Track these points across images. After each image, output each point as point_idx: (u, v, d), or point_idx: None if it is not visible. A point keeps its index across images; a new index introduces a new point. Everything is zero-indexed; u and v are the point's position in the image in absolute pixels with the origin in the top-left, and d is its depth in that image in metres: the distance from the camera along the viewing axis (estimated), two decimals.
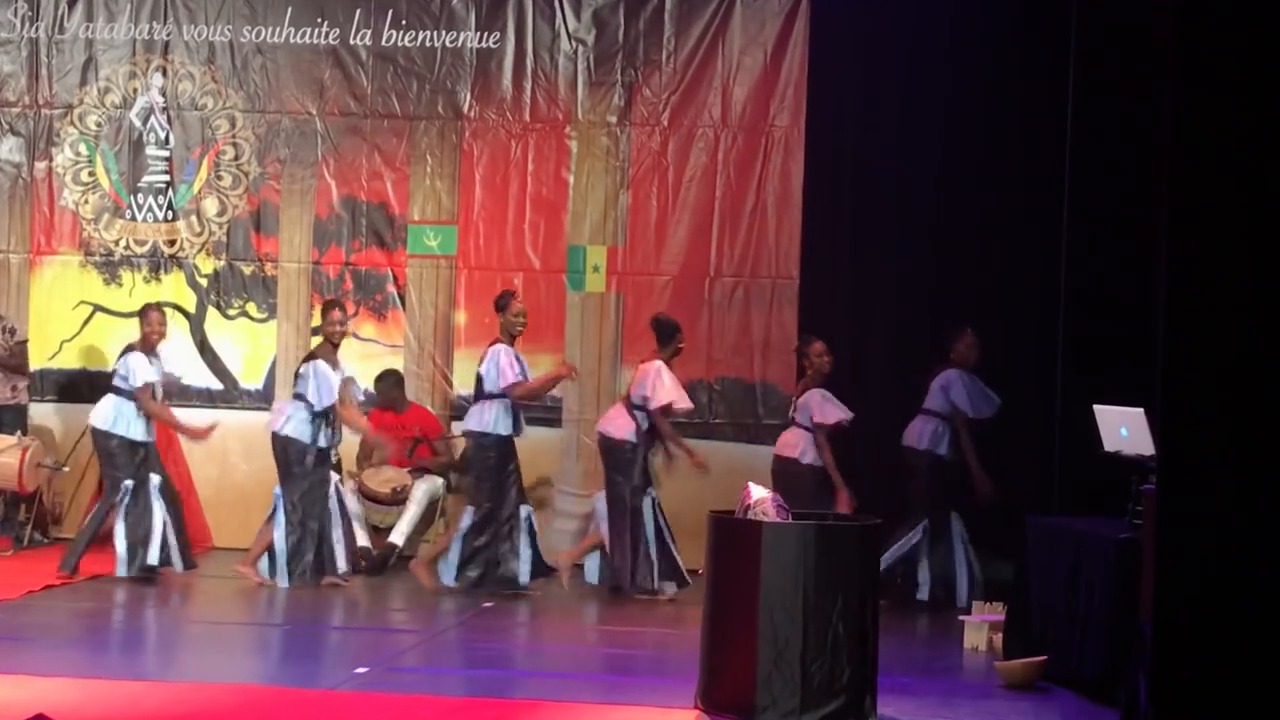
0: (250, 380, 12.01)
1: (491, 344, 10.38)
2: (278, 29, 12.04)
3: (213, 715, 6.95)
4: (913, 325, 11.20)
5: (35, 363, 11.97)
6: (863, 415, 10.85)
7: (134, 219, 12.15)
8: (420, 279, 12.00)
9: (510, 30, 11.93)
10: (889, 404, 10.84)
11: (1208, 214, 5.51)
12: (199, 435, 10.73)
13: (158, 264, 12.14)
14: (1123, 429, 7.74)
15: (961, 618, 9.19)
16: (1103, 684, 7.43)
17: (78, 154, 12.18)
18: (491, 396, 10.21)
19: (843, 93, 11.66)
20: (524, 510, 10.25)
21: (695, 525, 10.83)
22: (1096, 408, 7.99)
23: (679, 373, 10.57)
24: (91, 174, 12.18)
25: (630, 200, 11.90)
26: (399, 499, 11.30)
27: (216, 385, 12.03)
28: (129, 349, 10.50)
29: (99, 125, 12.17)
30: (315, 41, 12.03)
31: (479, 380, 10.33)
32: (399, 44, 11.99)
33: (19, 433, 11.42)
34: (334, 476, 10.47)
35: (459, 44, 11.96)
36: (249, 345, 12.06)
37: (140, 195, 12.14)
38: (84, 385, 11.94)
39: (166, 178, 12.14)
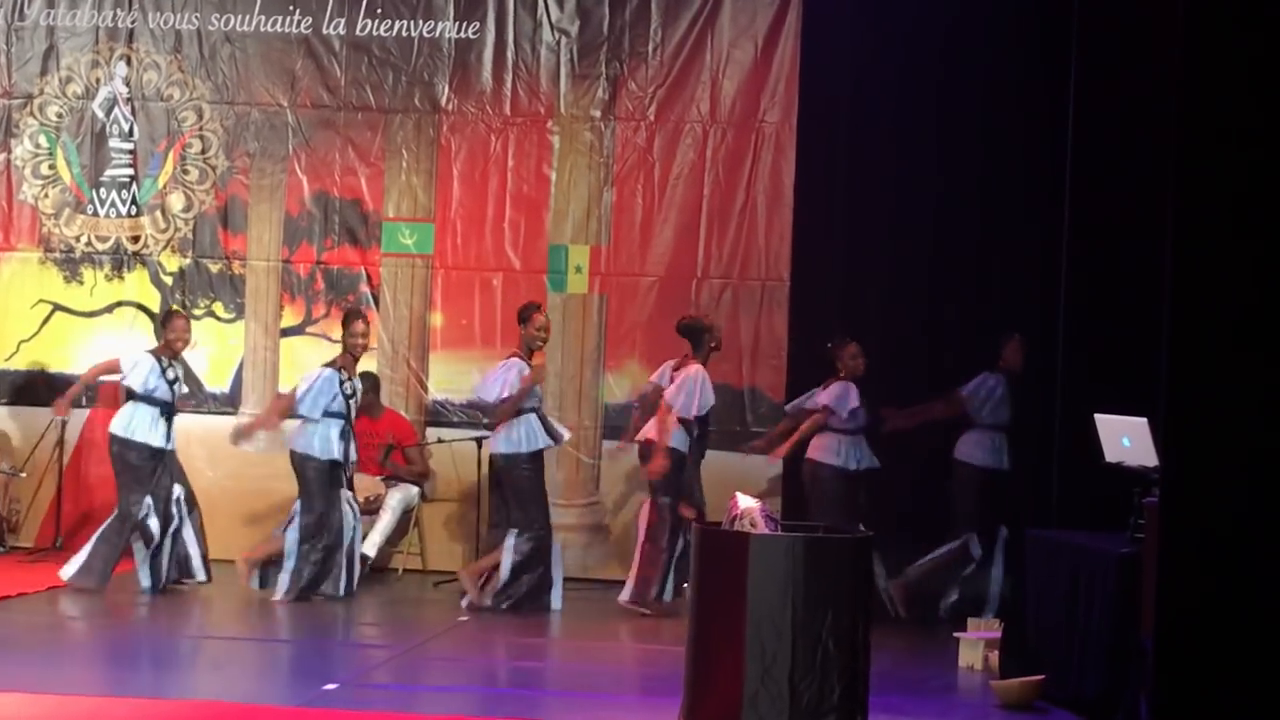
0: (216, 383, 12.00)
1: (508, 356, 10.43)
2: (247, 17, 12.03)
3: None
4: (908, 330, 11.21)
5: None
6: None
7: (96, 214, 12.13)
8: (395, 279, 12.00)
9: (490, 20, 11.93)
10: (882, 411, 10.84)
11: (1214, 217, 5.53)
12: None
13: (120, 261, 12.12)
14: (1125, 439, 7.76)
15: (956, 634, 9.20)
16: (1102, 704, 7.45)
17: (37, 146, 12.16)
18: (519, 412, 10.24)
19: (836, 87, 11.68)
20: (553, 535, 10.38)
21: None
22: (1098, 417, 8.00)
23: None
24: (52, 167, 12.16)
25: (614, 198, 11.91)
26: (372, 508, 11.29)
27: (181, 389, 11.97)
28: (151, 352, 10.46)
29: (60, 116, 12.16)
30: (286, 30, 12.03)
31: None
32: (374, 33, 11.99)
33: None
34: (347, 493, 10.50)
35: (437, 34, 11.96)
36: (215, 347, 12.04)
37: (103, 190, 12.12)
38: (42, 387, 11.92)
39: (130, 172, 12.12)
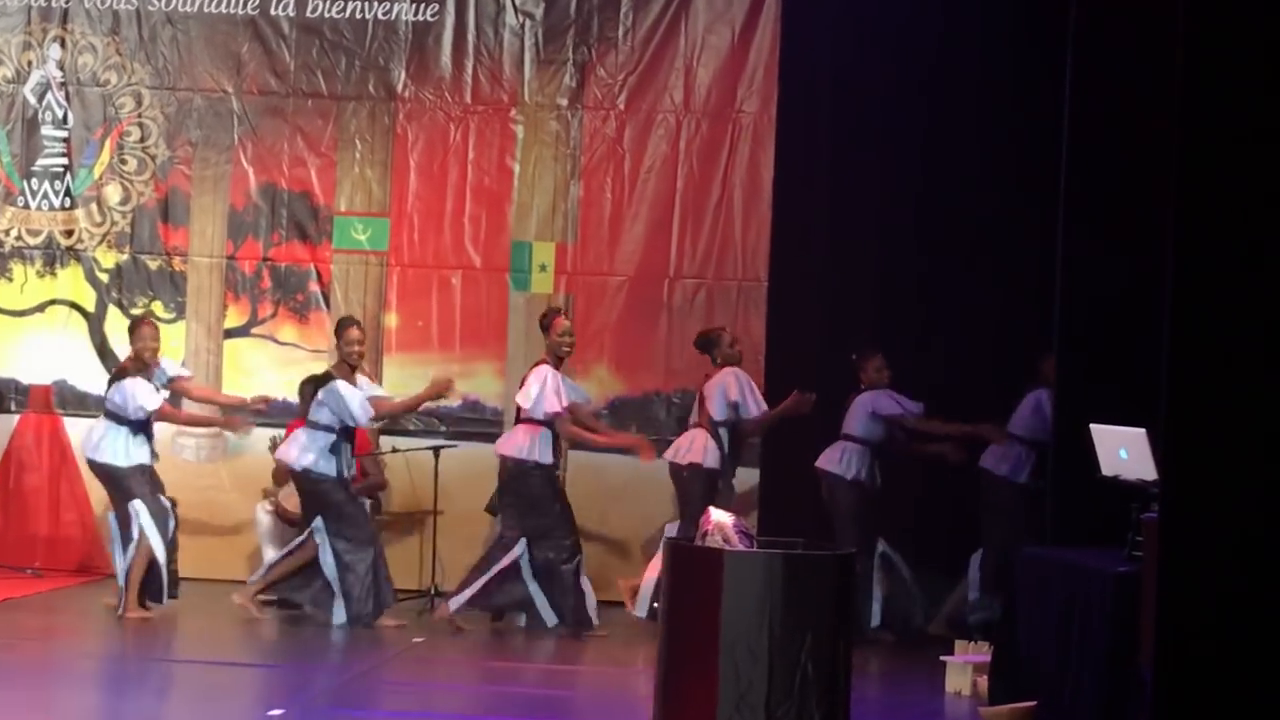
0: None
1: (535, 365, 10.44)
2: None
3: None
4: (893, 334, 11.21)
5: None
6: (836, 433, 10.87)
7: (27, 206, 12.07)
8: (347, 277, 11.96)
9: (450, 2, 11.91)
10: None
11: (1216, 220, 5.54)
12: (236, 425, 10.85)
13: (53, 257, 12.06)
14: (1122, 451, 7.77)
15: (943, 658, 9.21)
16: None
17: None
18: (532, 421, 10.27)
19: (818, 75, 11.68)
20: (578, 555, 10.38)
21: (649, 552, 10.88)
22: (1094, 427, 8.01)
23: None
24: None
25: (582, 192, 11.89)
26: None
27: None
28: (121, 373, 10.37)
29: None
30: (232, 11, 11.98)
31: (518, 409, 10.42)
32: (326, 15, 11.96)
33: None
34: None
35: (392, 16, 11.94)
36: None
37: (34, 180, 12.06)
38: None
39: (64, 161, 12.06)
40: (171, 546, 10.29)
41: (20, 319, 12.03)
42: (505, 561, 10.24)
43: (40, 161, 12.07)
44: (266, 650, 9.86)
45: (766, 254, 11.72)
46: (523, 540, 10.26)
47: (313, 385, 11.44)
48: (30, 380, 11.95)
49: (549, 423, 10.32)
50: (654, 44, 11.85)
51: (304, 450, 10.29)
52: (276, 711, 7.90)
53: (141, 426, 10.26)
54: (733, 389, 10.59)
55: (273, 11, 11.97)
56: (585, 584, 10.35)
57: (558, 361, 10.40)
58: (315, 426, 10.33)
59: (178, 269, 12.01)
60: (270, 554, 11.02)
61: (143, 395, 10.20)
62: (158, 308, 11.94)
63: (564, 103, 11.92)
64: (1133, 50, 8.59)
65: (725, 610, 6.78)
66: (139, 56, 12.05)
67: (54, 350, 11.88)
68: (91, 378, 11.90)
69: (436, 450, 11.20)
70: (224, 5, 11.99)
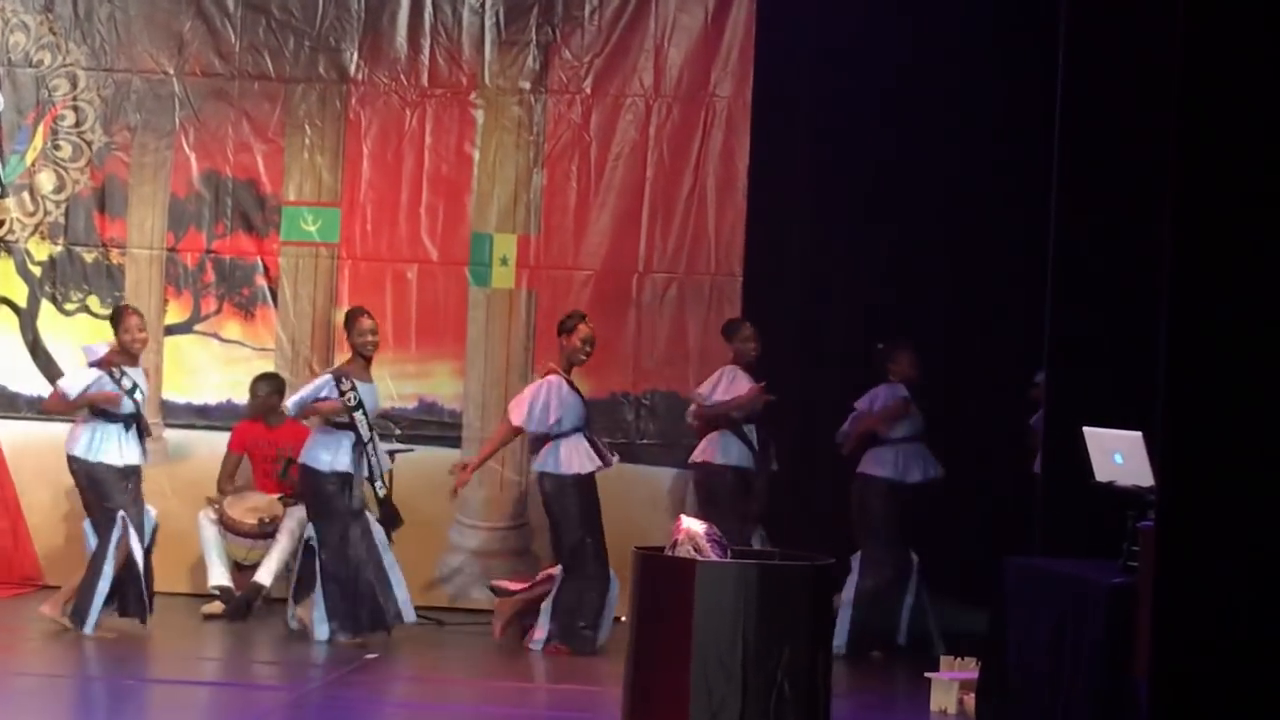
0: None
1: (545, 374, 10.48)
2: None
3: None
4: (875, 332, 11.23)
5: None
6: (815, 434, 10.88)
7: None
8: (296, 270, 11.93)
9: None
10: (843, 421, 10.85)
11: (1216, 215, 5.56)
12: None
13: None
14: (1117, 455, 7.78)
15: (928, 675, 9.22)
16: None
17: None
18: (560, 435, 10.32)
19: (796, 56, 11.68)
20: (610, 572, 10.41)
21: (618, 562, 10.87)
22: (1087, 430, 8.02)
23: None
24: None
25: (545, 181, 11.88)
26: (266, 531, 11.22)
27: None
28: (100, 364, 10.31)
29: None
30: None
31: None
32: None
33: None
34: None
35: None
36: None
37: None
38: None
39: None
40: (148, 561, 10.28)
41: None
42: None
43: None
44: (206, 667, 9.82)
45: (741, 247, 11.73)
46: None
47: (267, 384, 11.44)
48: None
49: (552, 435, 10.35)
50: (622, 24, 11.85)
51: (323, 449, 10.30)
52: None
53: (132, 424, 10.21)
54: (710, 379, 10.64)
55: None
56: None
57: (569, 369, 10.42)
58: (335, 426, 10.33)
59: (115, 262, 11.96)
60: (215, 564, 10.99)
61: (72, 375, 10.17)
62: (93, 303, 11.90)
63: (527, 86, 11.91)
64: (1127, 40, 8.62)
65: (697, 624, 6.77)
66: (74, 35, 12.00)
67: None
68: (23, 378, 11.86)
69: (391, 455, 11.17)
70: None
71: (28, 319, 11.95)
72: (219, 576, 11.03)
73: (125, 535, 10.12)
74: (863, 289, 11.45)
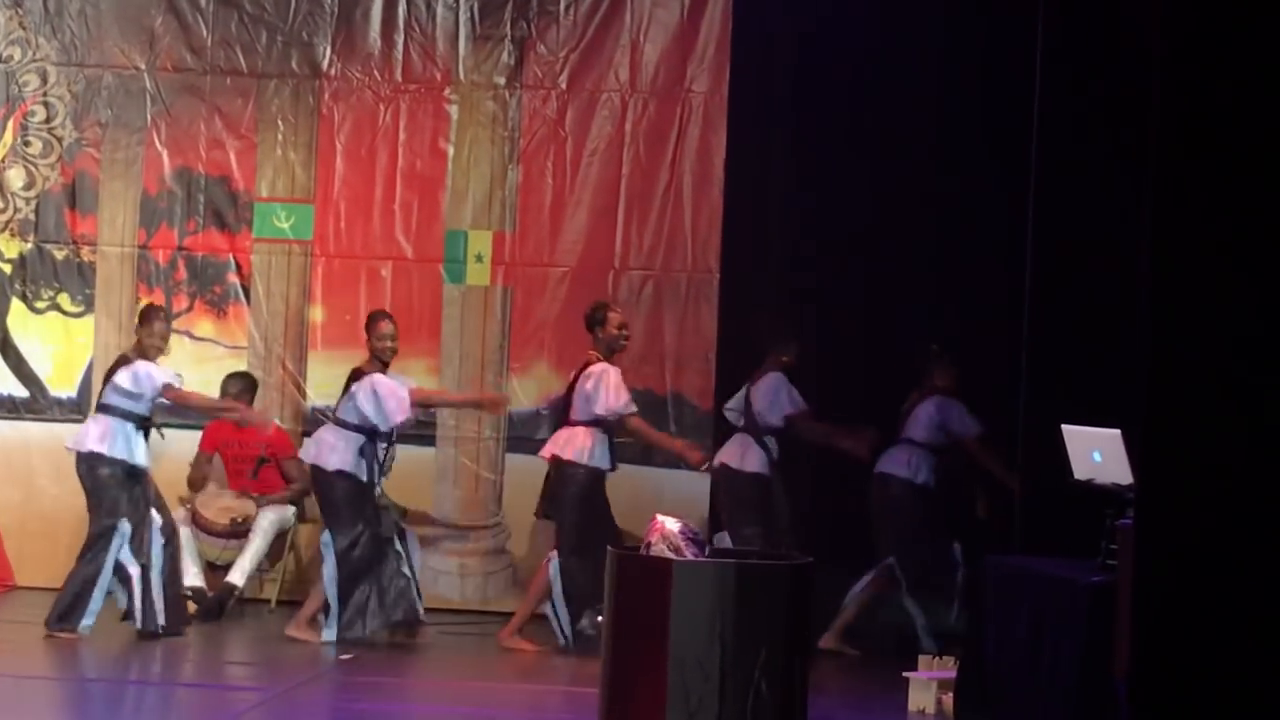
0: (61, 387, 11.87)
1: (590, 364, 10.49)
2: None
3: None
4: (852, 330, 11.24)
5: None
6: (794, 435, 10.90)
7: None
8: (269, 268, 11.92)
9: None
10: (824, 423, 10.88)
11: (1195, 209, 5.58)
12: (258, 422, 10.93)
13: None
14: (1095, 453, 7.81)
15: (906, 674, 9.24)
16: None
17: None
18: (585, 423, 10.39)
19: (774, 53, 11.69)
20: None
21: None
22: (1065, 428, 8.05)
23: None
24: None
25: (521, 177, 11.87)
26: (239, 531, 11.21)
27: (21, 392, 11.86)
28: (123, 360, 10.31)
29: None
30: None
31: (569, 402, 10.49)
32: None
33: None
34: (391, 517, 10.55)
35: None
36: (61, 345, 11.92)
37: None
38: None
39: None
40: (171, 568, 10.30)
41: None
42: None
43: None
44: (178, 668, 9.82)
45: (718, 244, 11.72)
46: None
47: (238, 382, 11.43)
48: None
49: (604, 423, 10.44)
50: (598, 18, 11.84)
51: (331, 449, 10.29)
52: None
53: (143, 425, 10.21)
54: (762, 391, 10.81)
55: None
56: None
57: (609, 357, 10.48)
58: (343, 425, 10.34)
59: (86, 259, 11.93)
60: (188, 564, 10.97)
61: (157, 372, 10.15)
62: (64, 301, 11.88)
63: (501, 81, 11.90)
64: (1108, 34, 8.65)
65: (674, 624, 6.79)
66: (44, 30, 11.97)
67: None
68: None
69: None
70: None
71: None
72: (192, 577, 11.00)
73: (122, 547, 10.07)
74: (841, 286, 11.45)
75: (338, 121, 11.92)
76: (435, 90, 11.91)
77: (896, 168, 11.42)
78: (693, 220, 11.78)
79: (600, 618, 8.74)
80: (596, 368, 10.43)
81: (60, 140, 11.97)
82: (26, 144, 11.98)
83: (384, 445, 10.42)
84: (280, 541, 11.46)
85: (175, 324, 11.86)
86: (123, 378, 10.20)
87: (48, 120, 11.98)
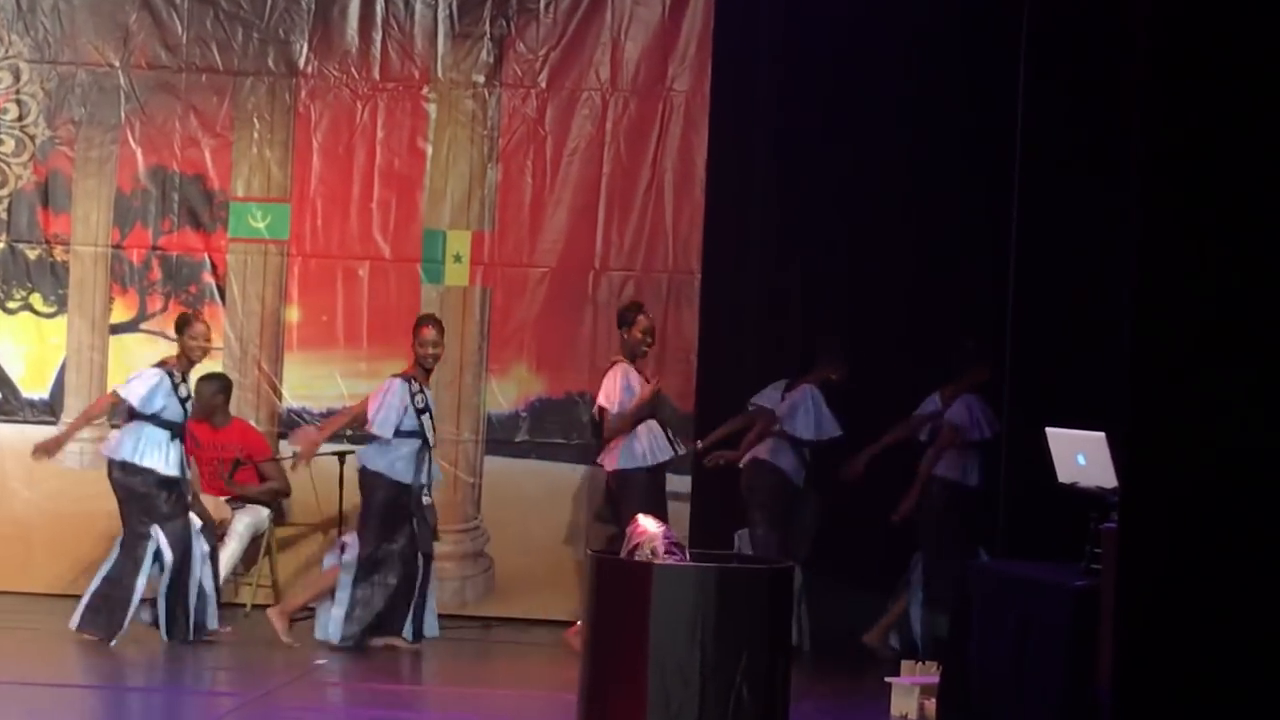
0: (34, 388, 11.83)
1: (611, 365, 10.58)
2: None
3: None
4: (831, 330, 11.24)
5: None
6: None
7: None
8: (244, 268, 11.90)
9: None
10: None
11: (1182, 207, 5.58)
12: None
13: None
14: (1080, 456, 7.81)
15: (889, 679, 9.25)
16: None
17: None
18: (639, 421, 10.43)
19: (756, 51, 11.70)
20: None
21: (572, 567, 10.87)
22: (1049, 431, 8.05)
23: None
24: None
25: (500, 176, 11.87)
26: (216, 534, 11.18)
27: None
28: (159, 365, 10.33)
29: None
30: None
31: (599, 410, 10.60)
32: None
33: None
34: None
35: None
36: (33, 345, 11.89)
37: None
38: None
39: None
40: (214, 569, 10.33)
41: None
42: None
43: None
44: (153, 672, 9.81)
45: (700, 244, 11.73)
46: None
47: (213, 384, 11.40)
48: None
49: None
50: (578, 16, 11.84)
51: (379, 454, 10.33)
52: None
53: (179, 434, 10.22)
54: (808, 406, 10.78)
55: None
56: None
57: (633, 360, 10.53)
58: (398, 432, 10.35)
59: (59, 259, 11.91)
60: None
61: (146, 384, 10.16)
62: (36, 301, 11.85)
63: (480, 80, 11.89)
64: (1091, 33, 8.66)
65: (654, 629, 6.79)
66: (17, 27, 11.94)
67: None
68: None
69: (342, 456, 11.15)
70: None
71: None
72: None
73: (149, 554, 10.09)
74: (822, 286, 11.46)
75: (314, 120, 11.91)
76: (413, 88, 11.91)
77: (880, 167, 11.42)
78: (674, 220, 11.78)
79: None
80: (617, 368, 10.52)
81: (33, 138, 11.94)
82: None
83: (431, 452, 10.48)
84: (255, 545, 11.45)
85: (149, 325, 11.89)
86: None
87: (20, 118, 11.95)
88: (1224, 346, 5.50)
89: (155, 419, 10.17)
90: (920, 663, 9.49)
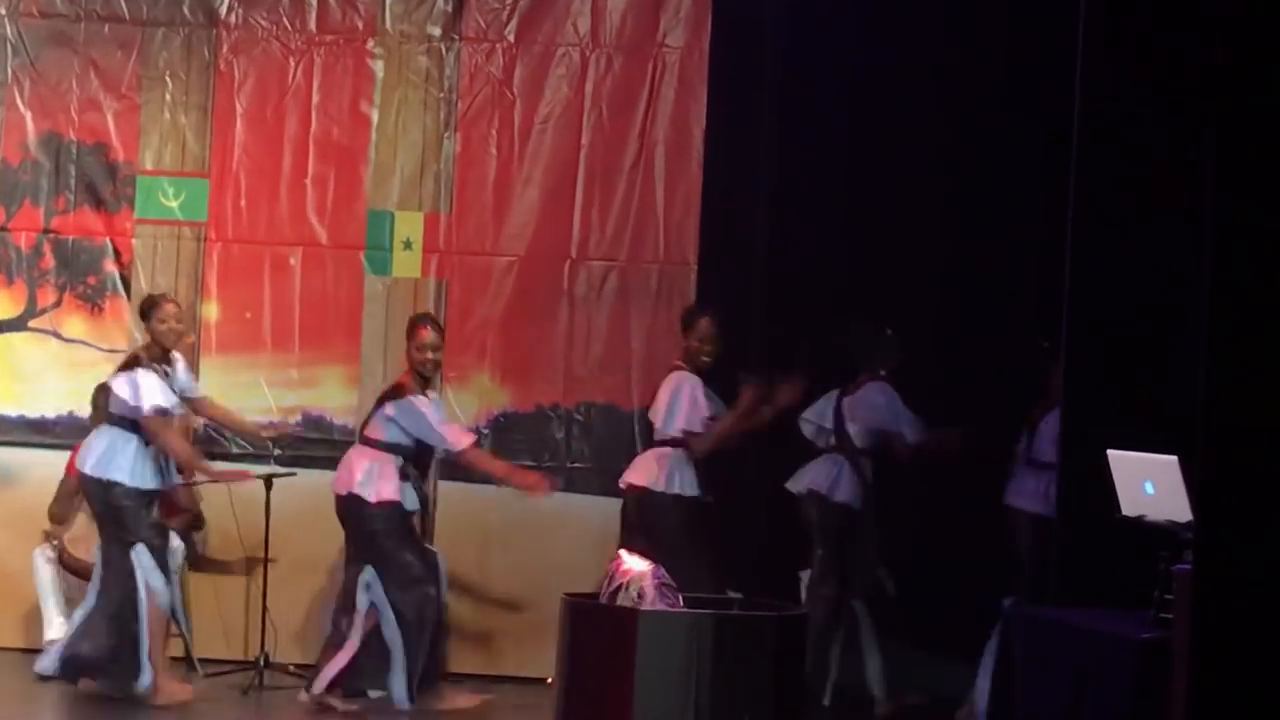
0: None
1: (671, 371, 10.70)
2: None
3: None
4: (849, 331, 11.28)
5: None
6: (783, 449, 10.95)
7: None
8: (154, 254, 11.92)
9: None
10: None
11: (1262, 200, 5.63)
12: (236, 478, 10.91)
13: None
14: (1148, 484, 7.86)
15: None
16: None
17: None
18: (664, 443, 10.55)
19: (761, 2, 11.74)
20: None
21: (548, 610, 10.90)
22: (1111, 454, 8.10)
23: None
24: None
25: (459, 148, 11.90)
26: None
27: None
28: (134, 361, 10.40)
29: None
30: None
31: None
32: None
33: None
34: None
35: None
36: None
37: None
38: None
39: None
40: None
41: None
42: None
43: None
44: None
45: (695, 229, 11.76)
46: None
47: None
48: None
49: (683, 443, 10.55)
50: None
51: (365, 475, 10.38)
52: None
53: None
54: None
55: None
56: None
57: (696, 369, 10.65)
58: (381, 448, 10.43)
59: None
60: (53, 613, 10.97)
61: (152, 388, 10.23)
62: None
63: (436, 33, 11.92)
64: (1158, 20, 8.72)
65: (640, 684, 6.83)
66: None
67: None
68: None
69: (269, 480, 11.17)
70: None
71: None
72: (57, 629, 10.99)
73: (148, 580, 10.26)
74: (836, 279, 11.49)
75: (238, 79, 11.92)
76: (356, 42, 11.93)
77: (906, 138, 11.47)
78: (665, 201, 11.81)
79: None
80: (673, 376, 10.64)
81: None
82: None
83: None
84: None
85: (39, 322, 11.90)
86: (116, 381, 10.34)
87: None
88: None
89: (127, 424, 10.27)
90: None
